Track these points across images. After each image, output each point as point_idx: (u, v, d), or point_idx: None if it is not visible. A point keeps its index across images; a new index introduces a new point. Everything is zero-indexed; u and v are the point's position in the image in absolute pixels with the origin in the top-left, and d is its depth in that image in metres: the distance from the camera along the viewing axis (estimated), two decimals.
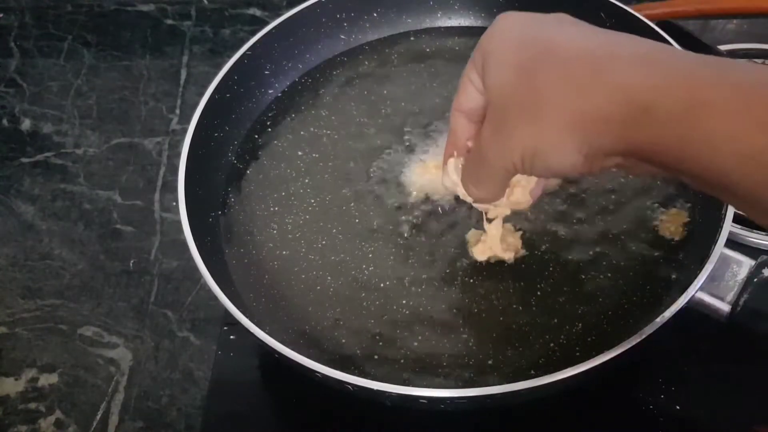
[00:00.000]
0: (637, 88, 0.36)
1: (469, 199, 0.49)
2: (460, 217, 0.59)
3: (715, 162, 0.34)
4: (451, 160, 0.49)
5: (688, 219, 0.57)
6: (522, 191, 0.49)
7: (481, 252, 0.56)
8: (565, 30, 0.40)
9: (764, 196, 0.34)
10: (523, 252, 0.57)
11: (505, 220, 0.58)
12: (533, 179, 0.49)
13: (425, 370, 0.52)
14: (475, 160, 0.46)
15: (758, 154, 0.33)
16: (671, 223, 0.57)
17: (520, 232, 0.57)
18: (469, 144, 0.48)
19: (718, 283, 0.50)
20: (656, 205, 0.59)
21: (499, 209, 0.52)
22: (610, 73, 0.37)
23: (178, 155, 0.59)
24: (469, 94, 0.45)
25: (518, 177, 0.47)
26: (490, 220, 0.55)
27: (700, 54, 0.37)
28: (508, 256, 0.56)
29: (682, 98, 0.35)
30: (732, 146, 0.34)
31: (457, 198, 0.60)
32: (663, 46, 0.39)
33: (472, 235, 0.57)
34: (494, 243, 0.55)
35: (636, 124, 0.36)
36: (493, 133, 0.42)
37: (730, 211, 0.52)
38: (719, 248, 0.50)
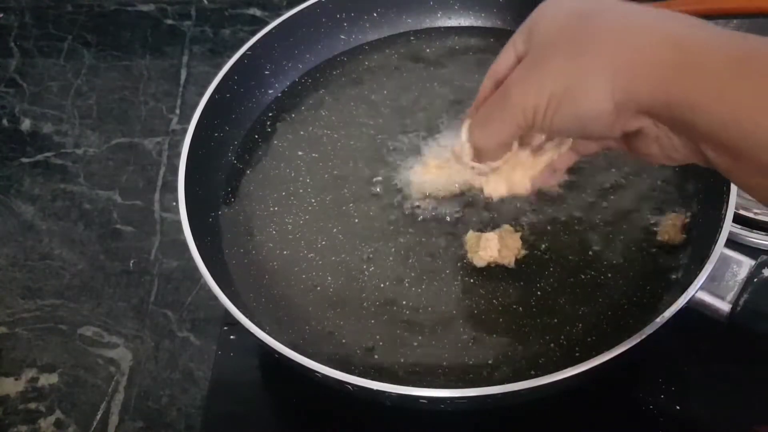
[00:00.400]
0: (690, 36, 0.37)
1: (468, 158, 0.47)
2: (461, 217, 0.59)
3: (756, 126, 0.34)
4: (468, 121, 0.47)
5: (688, 222, 0.57)
6: (523, 173, 0.48)
7: (480, 259, 0.56)
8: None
9: None
10: (523, 252, 0.57)
11: (505, 221, 0.58)
12: (538, 164, 0.48)
13: (425, 370, 0.52)
14: (494, 99, 0.44)
15: None
16: (670, 226, 0.57)
17: (520, 233, 0.57)
18: None
19: (718, 283, 0.50)
20: (655, 209, 0.59)
21: (496, 186, 0.49)
22: (664, 23, 0.38)
23: (178, 155, 0.59)
24: (508, 58, 0.44)
25: (522, 156, 0.46)
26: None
27: None
28: (509, 261, 0.56)
29: (730, 53, 0.35)
30: None
31: (457, 196, 0.60)
32: None
33: (470, 237, 0.57)
34: (493, 250, 0.55)
35: (681, 72, 0.36)
36: (525, 70, 0.42)
37: (730, 212, 0.52)
38: (719, 248, 0.50)
